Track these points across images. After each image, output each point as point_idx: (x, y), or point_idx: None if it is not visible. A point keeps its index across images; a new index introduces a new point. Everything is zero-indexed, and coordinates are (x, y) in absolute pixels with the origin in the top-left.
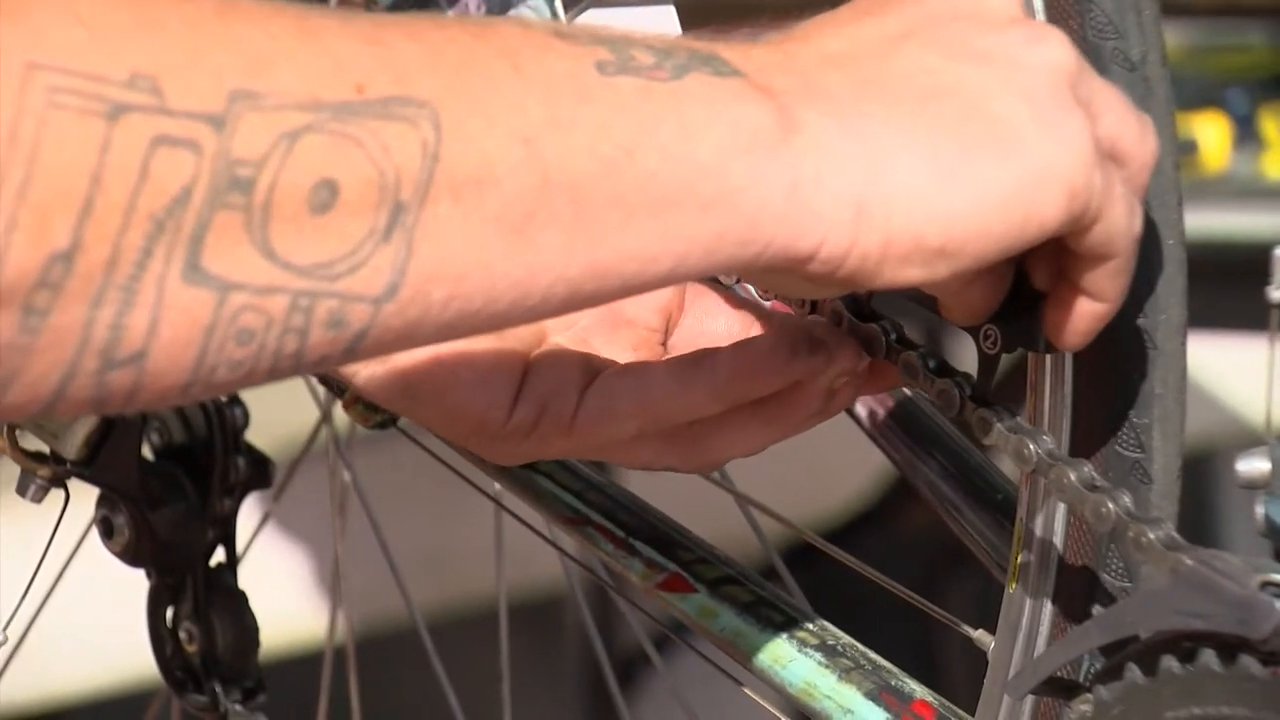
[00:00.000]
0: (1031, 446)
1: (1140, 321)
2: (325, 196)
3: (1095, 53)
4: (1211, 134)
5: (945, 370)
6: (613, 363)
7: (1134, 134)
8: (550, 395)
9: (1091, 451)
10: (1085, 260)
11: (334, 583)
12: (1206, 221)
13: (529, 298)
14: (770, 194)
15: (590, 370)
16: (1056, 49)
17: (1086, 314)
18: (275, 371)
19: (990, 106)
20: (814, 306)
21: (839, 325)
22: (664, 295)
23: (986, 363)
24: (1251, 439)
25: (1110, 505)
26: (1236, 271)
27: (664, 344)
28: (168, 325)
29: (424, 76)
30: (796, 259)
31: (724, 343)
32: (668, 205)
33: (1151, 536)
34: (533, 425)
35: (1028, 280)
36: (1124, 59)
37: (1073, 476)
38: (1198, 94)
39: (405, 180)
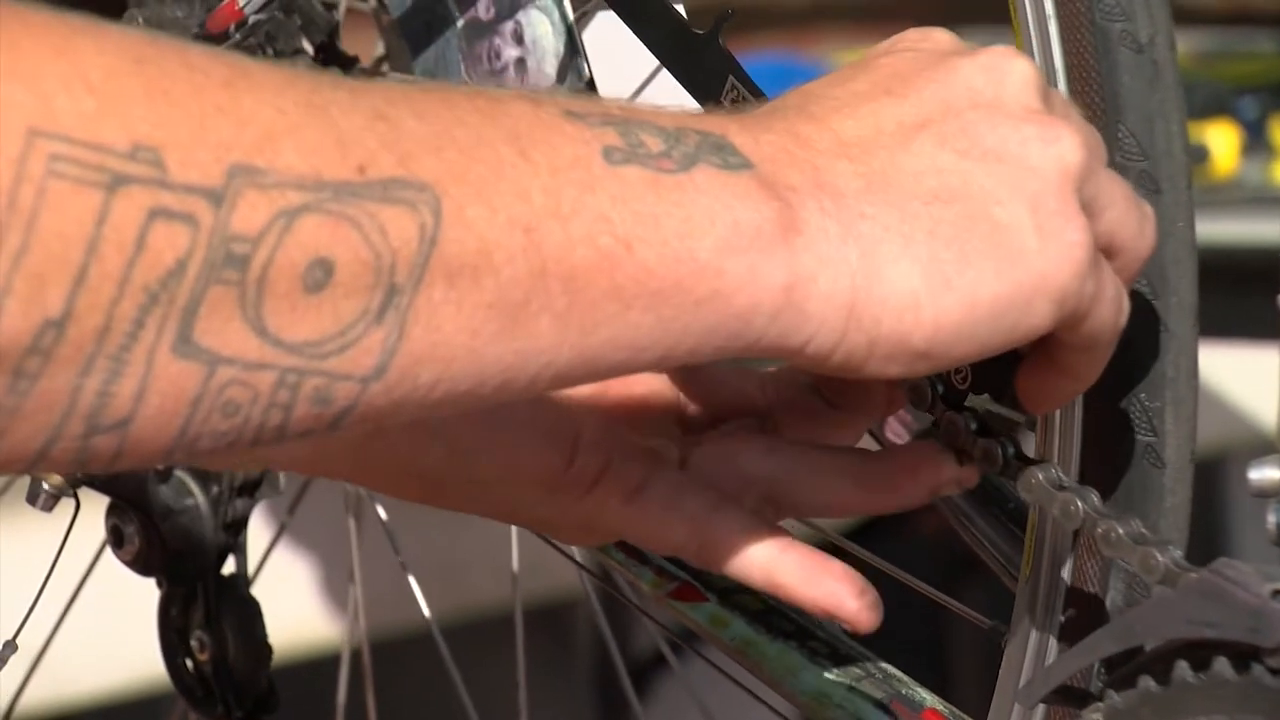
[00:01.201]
0: (999, 450)
1: (1153, 304)
2: (320, 276)
3: (1103, 34)
4: (1221, 141)
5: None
6: (663, 444)
7: (1133, 228)
8: (615, 452)
9: (1103, 436)
10: (1067, 348)
11: (351, 589)
12: (1216, 229)
13: (516, 381)
14: (765, 293)
15: (653, 451)
16: (1068, 150)
17: (1059, 390)
18: (258, 442)
19: (994, 213)
20: None
21: None
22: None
23: (954, 395)
24: (1262, 447)
25: (1120, 530)
26: (1247, 279)
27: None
28: (155, 395)
29: (428, 158)
30: (784, 350)
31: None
32: (662, 299)
33: (1121, 532)
34: (595, 478)
35: None
36: (1132, 41)
37: (1080, 505)
38: (1208, 102)
39: (401, 263)
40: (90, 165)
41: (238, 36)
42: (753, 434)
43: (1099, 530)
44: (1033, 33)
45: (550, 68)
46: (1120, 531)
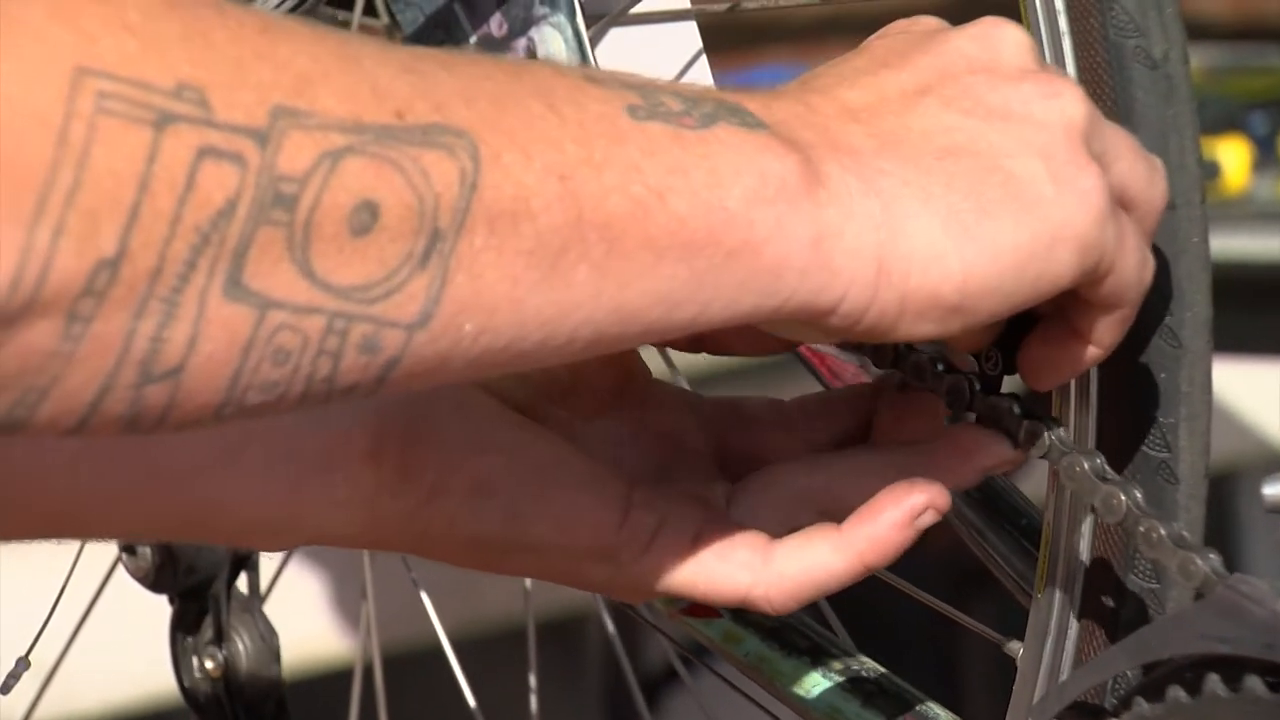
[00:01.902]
0: (1045, 433)
1: (1166, 320)
2: (366, 218)
3: (1117, 50)
4: (1232, 157)
5: (952, 369)
6: (711, 492)
7: (1144, 179)
8: (667, 510)
9: (1117, 451)
10: (1092, 308)
11: (364, 603)
12: (1228, 244)
13: (556, 336)
14: (794, 245)
15: (702, 500)
16: (1070, 103)
17: (1079, 359)
18: (306, 397)
19: (1007, 165)
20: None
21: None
22: (706, 427)
23: (988, 382)
24: (1275, 462)
25: (1162, 531)
26: (1259, 294)
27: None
28: (207, 340)
29: (462, 107)
30: (817, 312)
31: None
32: (695, 250)
33: (1162, 533)
34: (650, 537)
35: (1032, 309)
36: (1146, 57)
37: (1124, 499)
38: (1219, 117)
39: (444, 207)
40: (138, 103)
41: None
42: (791, 456)
43: (1140, 529)
44: (1046, 49)
45: None
46: (1162, 532)
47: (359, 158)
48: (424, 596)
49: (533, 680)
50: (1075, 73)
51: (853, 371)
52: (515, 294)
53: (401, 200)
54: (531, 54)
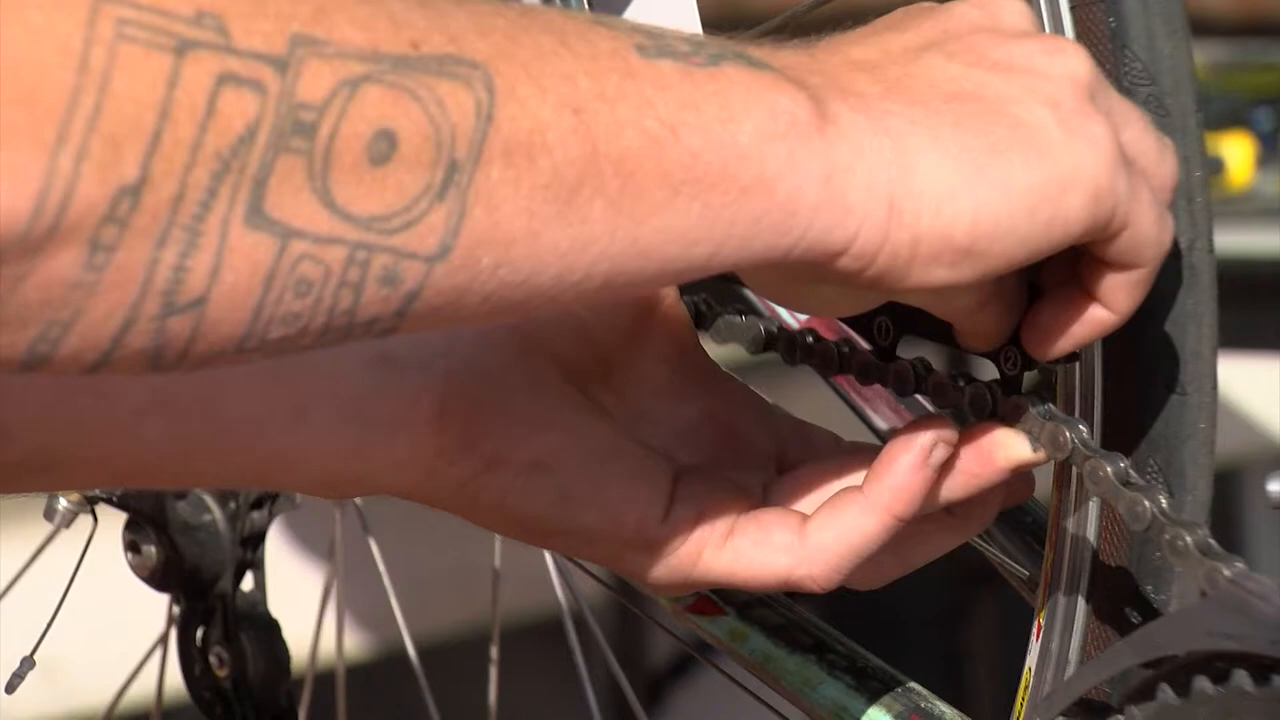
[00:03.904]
0: (1067, 434)
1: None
2: (384, 148)
3: (1129, 97)
4: (1236, 153)
5: (972, 380)
6: (749, 486)
7: (1154, 151)
8: (707, 502)
9: (1123, 435)
10: (1109, 267)
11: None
12: (1231, 240)
13: (572, 272)
14: (806, 181)
15: (740, 489)
16: (1074, 59)
17: (1092, 321)
18: (327, 330)
19: (1014, 110)
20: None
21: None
22: (776, 424)
23: (1009, 383)
24: (1279, 458)
25: (1188, 538)
26: (1263, 290)
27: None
28: (230, 270)
29: (476, 39)
30: (830, 252)
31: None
32: (709, 185)
33: (1188, 540)
34: (689, 530)
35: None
36: (1159, 105)
37: (1148, 505)
38: (1223, 113)
39: (460, 139)
40: (158, 29)
41: None
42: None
43: (1165, 536)
44: None
45: None
46: (1188, 539)
47: (376, 86)
48: (392, 600)
49: (493, 673)
50: None
51: (887, 399)
52: (532, 227)
53: (419, 130)
54: None
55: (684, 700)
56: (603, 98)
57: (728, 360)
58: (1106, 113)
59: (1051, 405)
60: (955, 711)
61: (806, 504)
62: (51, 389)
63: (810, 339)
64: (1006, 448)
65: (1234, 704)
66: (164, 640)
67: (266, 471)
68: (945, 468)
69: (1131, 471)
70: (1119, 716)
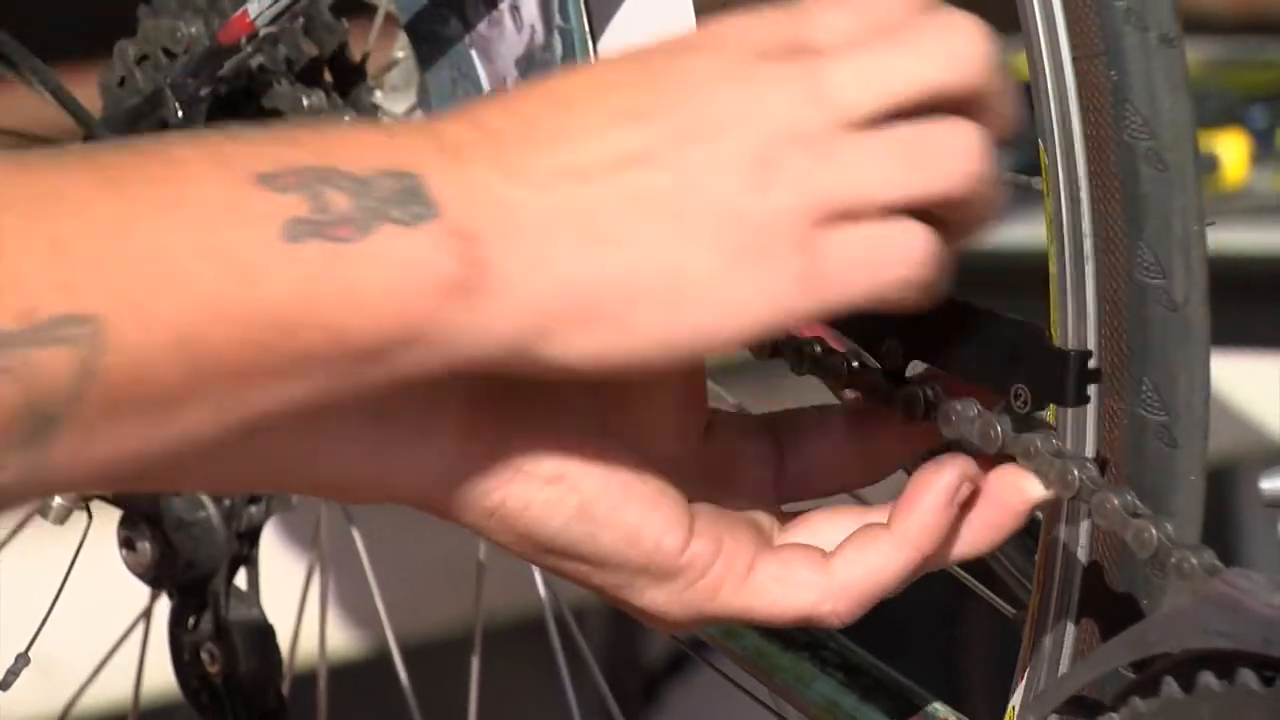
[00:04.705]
0: (1075, 472)
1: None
2: None
3: (1139, 290)
4: (1231, 151)
5: (982, 411)
6: (766, 522)
7: (922, 155)
8: (725, 534)
9: (1113, 416)
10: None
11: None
12: (1226, 237)
13: (190, 478)
14: (430, 352)
15: (755, 525)
16: (773, 105)
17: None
18: None
19: (685, 256)
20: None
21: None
22: (763, 449)
23: (1018, 421)
24: (1273, 456)
25: (1195, 561)
26: (1257, 287)
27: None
28: None
29: (95, 280)
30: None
31: (831, 475)
32: (330, 369)
33: (1194, 562)
34: (709, 563)
35: (1048, 337)
36: (1167, 299)
37: (1155, 533)
38: (1218, 111)
39: (56, 398)
40: None
41: (249, 49)
42: (844, 470)
43: (1172, 560)
44: (1069, 276)
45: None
46: (1194, 562)
47: None
48: (377, 600)
49: (475, 664)
50: (1095, 307)
51: None
52: (132, 448)
53: (9, 402)
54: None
55: (679, 697)
56: (220, 318)
57: (728, 362)
58: (814, 165)
59: (1056, 440)
60: (949, 709)
61: (819, 544)
62: None
63: (819, 349)
64: (1022, 491)
65: (1239, 701)
66: (147, 614)
67: (281, 475)
68: (966, 506)
69: (1138, 502)
70: (1112, 715)
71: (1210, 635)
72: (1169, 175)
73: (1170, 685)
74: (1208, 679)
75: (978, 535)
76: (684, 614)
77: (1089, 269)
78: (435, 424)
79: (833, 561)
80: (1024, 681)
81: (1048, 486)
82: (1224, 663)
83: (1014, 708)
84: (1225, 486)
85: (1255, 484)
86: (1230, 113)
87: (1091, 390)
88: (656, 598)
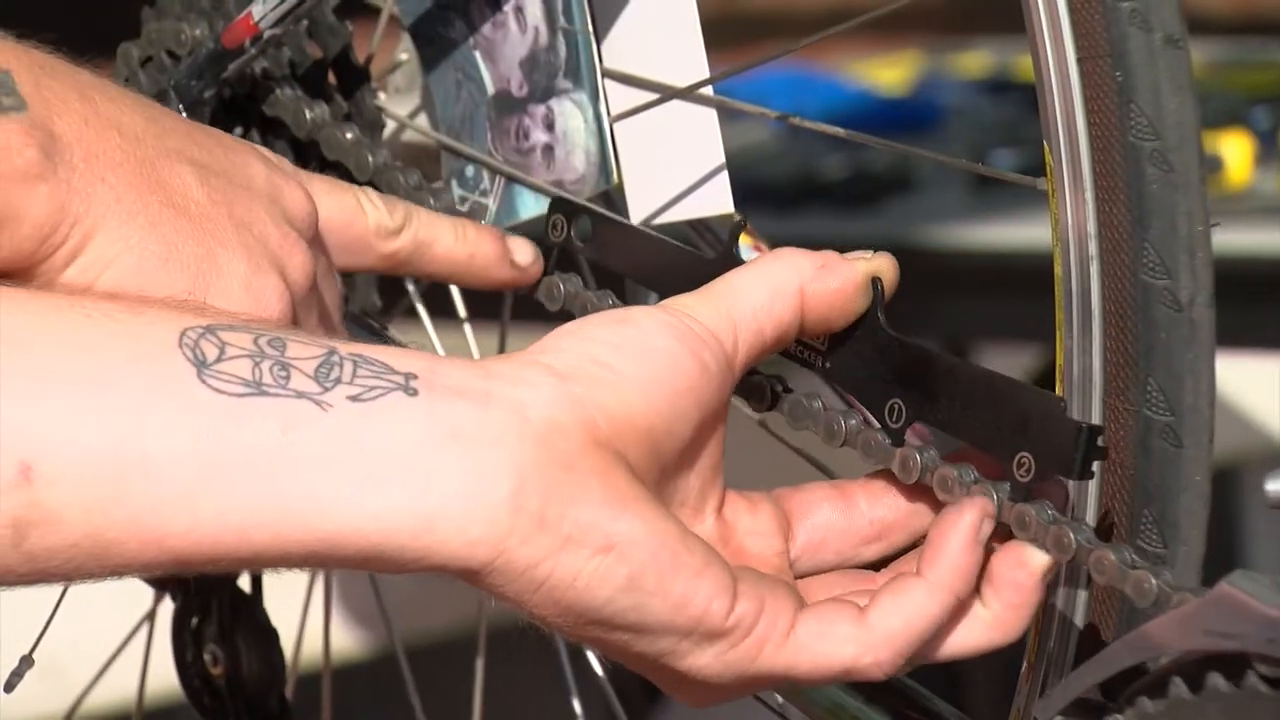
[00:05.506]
0: (1071, 535)
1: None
2: None
3: (1145, 291)
4: (1235, 152)
5: (979, 479)
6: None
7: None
8: (767, 594)
9: (1119, 487)
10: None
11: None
12: (1230, 239)
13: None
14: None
15: (791, 586)
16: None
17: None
18: None
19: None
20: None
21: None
22: (774, 520)
23: (1016, 489)
24: (1278, 457)
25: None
26: (1261, 288)
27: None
28: None
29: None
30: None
31: (841, 533)
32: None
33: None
34: (753, 623)
35: (1060, 406)
36: (1172, 300)
37: (1154, 581)
38: (1221, 112)
39: None
40: None
41: (253, 51)
42: (853, 540)
43: (1174, 601)
44: (1075, 292)
45: (579, 162)
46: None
47: None
48: (381, 601)
49: (479, 665)
50: (1101, 307)
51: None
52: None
53: None
54: (550, 124)
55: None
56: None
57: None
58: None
59: (1050, 508)
60: (952, 709)
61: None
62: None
63: (818, 405)
64: (1028, 565)
65: (1247, 703)
66: (151, 616)
67: (328, 551)
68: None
69: (1132, 554)
70: (1117, 716)
71: (1214, 637)
72: (1174, 176)
73: (1178, 686)
74: (1216, 680)
75: (1006, 620)
76: (726, 676)
77: (1094, 270)
78: (485, 495)
79: (869, 614)
80: (1028, 684)
81: (1047, 553)
82: (1232, 664)
83: (1018, 709)
84: (1230, 487)
85: (1260, 485)
86: (1233, 114)
87: (1096, 467)
88: (699, 660)
